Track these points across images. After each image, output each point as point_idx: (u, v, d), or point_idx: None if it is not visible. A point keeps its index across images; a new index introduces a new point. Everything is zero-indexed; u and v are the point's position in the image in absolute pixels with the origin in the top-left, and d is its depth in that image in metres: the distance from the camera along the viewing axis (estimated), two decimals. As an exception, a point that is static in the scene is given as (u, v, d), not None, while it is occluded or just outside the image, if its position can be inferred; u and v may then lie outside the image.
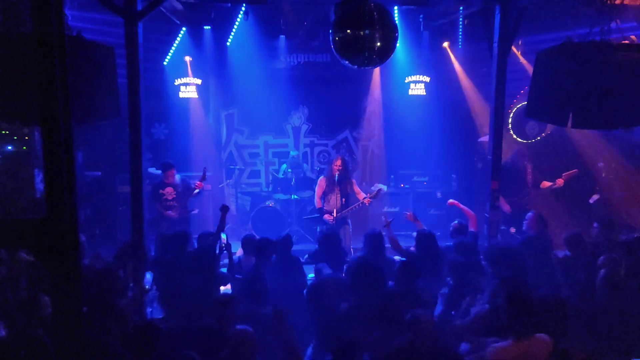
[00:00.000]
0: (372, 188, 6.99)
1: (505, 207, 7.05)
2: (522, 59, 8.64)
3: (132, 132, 5.26)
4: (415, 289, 4.33)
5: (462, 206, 6.20)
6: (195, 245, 5.66)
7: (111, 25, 6.43)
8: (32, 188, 7.05)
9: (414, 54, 9.20)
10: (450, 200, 6.50)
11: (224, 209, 5.41)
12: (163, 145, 9.31)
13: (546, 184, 7.29)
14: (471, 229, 5.78)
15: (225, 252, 5.36)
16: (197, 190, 7.23)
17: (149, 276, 4.65)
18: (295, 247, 5.47)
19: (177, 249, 5.25)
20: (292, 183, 8.76)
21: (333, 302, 4.15)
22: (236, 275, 5.18)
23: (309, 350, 4.16)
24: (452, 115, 9.46)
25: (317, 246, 5.70)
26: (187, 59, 8.82)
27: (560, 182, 7.15)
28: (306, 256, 5.66)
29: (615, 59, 3.83)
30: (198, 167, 8.91)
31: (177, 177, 7.24)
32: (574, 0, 6.53)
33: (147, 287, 4.58)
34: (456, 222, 5.80)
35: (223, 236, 5.62)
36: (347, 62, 4.90)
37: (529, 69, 8.15)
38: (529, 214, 5.98)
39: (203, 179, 7.22)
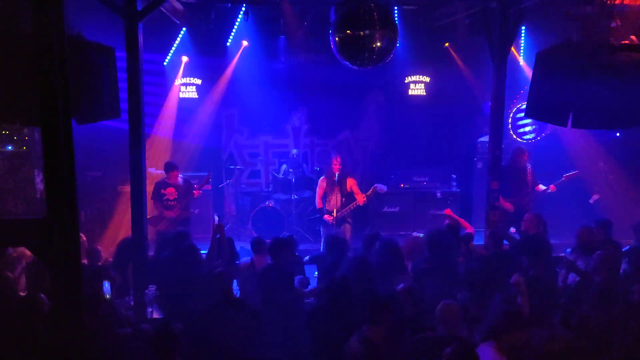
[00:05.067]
0: (370, 187, 7.01)
1: (507, 206, 7.05)
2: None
3: (132, 132, 5.26)
4: None
5: (456, 217, 6.17)
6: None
7: (111, 25, 6.43)
8: (32, 188, 7.06)
9: (414, 54, 9.20)
10: (446, 210, 6.51)
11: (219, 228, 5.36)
12: (163, 145, 9.31)
13: (541, 188, 7.30)
14: (468, 230, 5.78)
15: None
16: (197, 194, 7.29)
17: (107, 285, 4.62)
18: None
19: (174, 249, 5.25)
20: (292, 183, 8.77)
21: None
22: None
23: None
24: (452, 115, 9.46)
25: (321, 249, 5.69)
26: (184, 59, 8.82)
27: (553, 188, 7.21)
28: (307, 258, 5.66)
29: (615, 59, 3.83)
30: (198, 167, 8.92)
31: (180, 178, 7.25)
32: (574, 0, 6.55)
33: (107, 296, 4.54)
34: (447, 220, 5.81)
35: (216, 218, 5.63)
36: (347, 62, 4.90)
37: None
38: (527, 214, 5.97)
39: (205, 183, 7.25)
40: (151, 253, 5.90)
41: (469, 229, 5.86)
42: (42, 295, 3.92)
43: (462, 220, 6.05)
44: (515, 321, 3.50)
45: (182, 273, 4.81)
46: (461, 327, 3.71)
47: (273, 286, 4.64)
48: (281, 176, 9.20)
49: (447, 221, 5.75)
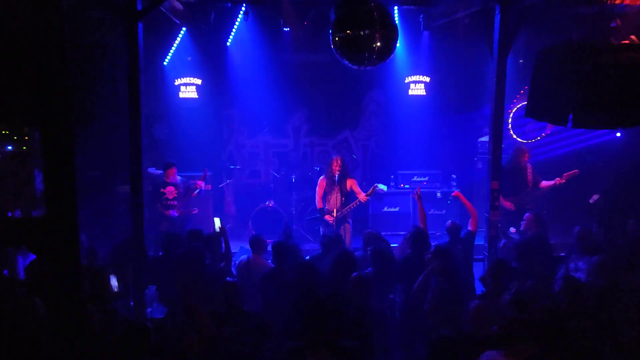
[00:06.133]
0: (370, 187, 6.99)
1: (507, 204, 7.04)
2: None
3: (132, 132, 5.26)
4: None
5: (465, 200, 5.99)
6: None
7: (111, 25, 6.42)
8: (32, 188, 7.05)
9: (414, 54, 9.21)
10: (456, 192, 6.36)
11: (222, 231, 5.39)
12: (163, 145, 9.31)
13: (546, 183, 7.29)
14: (470, 227, 5.68)
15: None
16: (197, 190, 7.24)
17: (114, 280, 4.57)
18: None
19: (174, 248, 5.25)
20: (292, 183, 8.77)
21: None
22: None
23: None
24: (452, 115, 9.47)
25: (319, 249, 5.68)
26: (189, 59, 8.84)
27: (558, 180, 7.17)
28: (307, 258, 5.65)
29: (615, 59, 3.83)
30: (198, 167, 8.91)
31: (178, 177, 7.24)
32: (575, 1, 6.55)
33: (115, 289, 4.49)
34: (449, 221, 5.76)
35: (217, 222, 5.63)
36: (347, 62, 4.89)
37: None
38: (527, 214, 5.96)
39: (203, 179, 7.21)
40: (150, 253, 5.91)
41: (473, 218, 5.71)
42: (37, 299, 3.90)
43: (469, 205, 5.88)
44: (528, 332, 3.30)
45: (187, 274, 4.80)
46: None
47: (275, 293, 4.60)
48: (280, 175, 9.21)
49: (448, 223, 5.71)
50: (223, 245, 5.41)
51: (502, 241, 6.28)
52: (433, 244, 5.53)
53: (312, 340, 3.35)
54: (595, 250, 5.02)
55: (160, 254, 5.60)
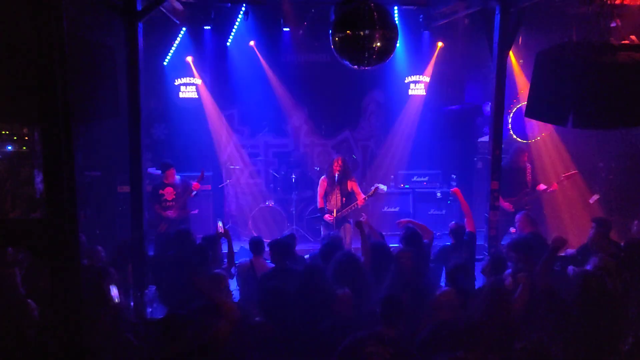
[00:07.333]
0: (371, 188, 6.98)
1: (506, 205, 7.04)
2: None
3: (132, 132, 5.26)
4: None
5: (462, 199, 5.93)
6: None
7: (111, 25, 6.42)
8: (32, 188, 7.06)
9: (414, 54, 9.21)
10: (455, 189, 6.30)
11: (227, 234, 5.40)
12: (163, 145, 9.31)
13: (542, 187, 7.29)
14: (468, 228, 5.65)
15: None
16: (194, 192, 7.22)
17: (114, 289, 4.46)
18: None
19: (178, 247, 5.23)
20: (292, 183, 8.77)
21: None
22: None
23: None
24: (452, 115, 9.47)
25: (319, 250, 5.65)
26: (189, 59, 8.84)
27: (555, 186, 7.17)
28: (307, 256, 5.65)
29: (615, 59, 3.83)
30: (198, 167, 8.92)
31: (177, 177, 7.22)
32: (574, 0, 6.55)
33: (116, 300, 4.37)
34: (453, 222, 5.74)
35: (219, 224, 5.63)
36: (347, 62, 4.90)
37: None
38: (518, 214, 5.93)
39: (200, 179, 7.20)
40: (150, 253, 5.90)
41: (469, 218, 5.67)
42: (30, 300, 3.89)
43: (464, 204, 5.82)
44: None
45: (189, 274, 4.78)
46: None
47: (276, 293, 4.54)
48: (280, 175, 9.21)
49: (452, 225, 5.68)
50: (227, 246, 5.42)
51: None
52: (435, 244, 5.54)
53: (377, 333, 3.35)
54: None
55: (158, 253, 5.60)
